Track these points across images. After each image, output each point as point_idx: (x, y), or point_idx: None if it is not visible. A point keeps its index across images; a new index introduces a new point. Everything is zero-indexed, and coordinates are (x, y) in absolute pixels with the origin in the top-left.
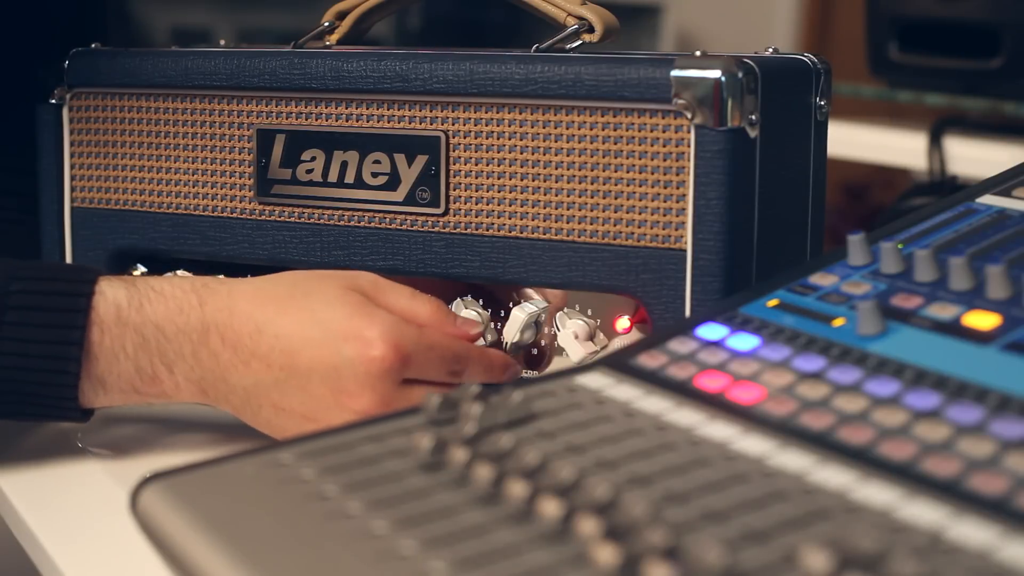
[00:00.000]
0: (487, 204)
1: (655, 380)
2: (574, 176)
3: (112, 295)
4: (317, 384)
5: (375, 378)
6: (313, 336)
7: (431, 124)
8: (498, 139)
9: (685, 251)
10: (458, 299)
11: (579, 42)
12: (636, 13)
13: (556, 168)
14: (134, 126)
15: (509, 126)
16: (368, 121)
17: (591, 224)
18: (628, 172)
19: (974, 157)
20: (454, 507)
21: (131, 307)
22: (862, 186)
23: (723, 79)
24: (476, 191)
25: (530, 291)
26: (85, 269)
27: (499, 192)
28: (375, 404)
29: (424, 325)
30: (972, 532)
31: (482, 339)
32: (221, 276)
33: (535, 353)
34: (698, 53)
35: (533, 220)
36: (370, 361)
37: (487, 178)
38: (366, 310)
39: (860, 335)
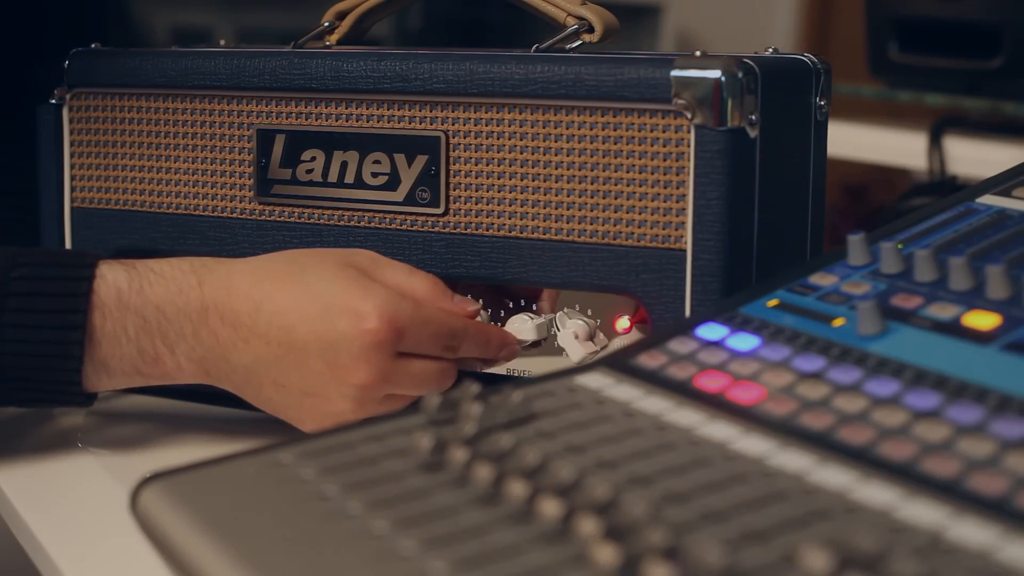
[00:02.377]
0: (487, 204)
1: (655, 380)
2: (574, 176)
3: (113, 278)
4: (315, 359)
5: (370, 350)
6: (309, 311)
7: (431, 124)
8: (498, 139)
9: (685, 251)
10: None
11: (579, 42)
12: (636, 13)
13: (556, 168)
14: (134, 126)
15: (509, 126)
16: (368, 121)
17: (591, 224)
18: (628, 172)
19: (974, 157)
20: (454, 507)
21: (131, 290)
22: (862, 186)
23: (723, 79)
24: (476, 191)
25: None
26: (85, 254)
27: (499, 192)
28: (372, 377)
29: (421, 300)
30: (972, 532)
31: None
32: None
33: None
34: (698, 53)
35: (533, 220)
36: (364, 334)
37: (487, 178)
38: (361, 284)
39: (860, 335)
